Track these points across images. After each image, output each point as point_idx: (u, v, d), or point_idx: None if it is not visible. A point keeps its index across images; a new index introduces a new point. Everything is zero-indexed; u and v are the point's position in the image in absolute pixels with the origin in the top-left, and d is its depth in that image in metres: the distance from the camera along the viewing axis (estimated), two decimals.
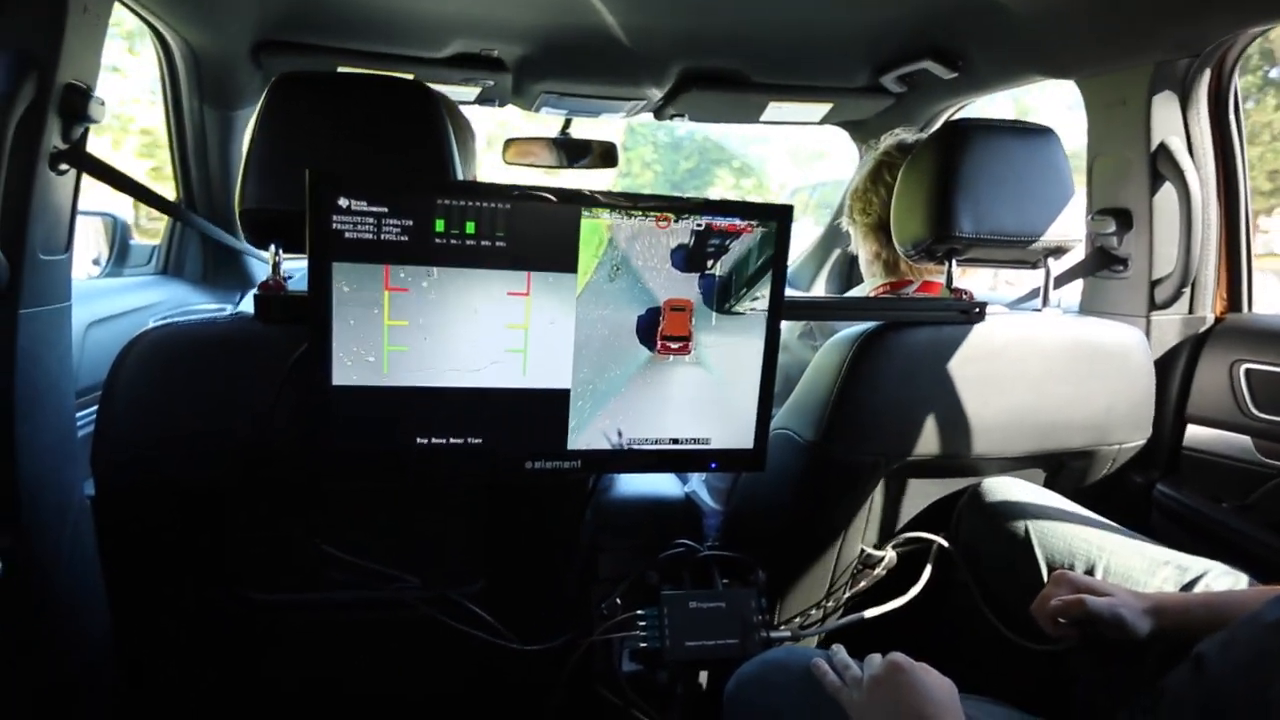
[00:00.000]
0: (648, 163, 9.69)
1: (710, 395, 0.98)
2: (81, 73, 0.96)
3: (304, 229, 0.82)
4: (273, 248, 0.96)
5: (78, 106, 0.95)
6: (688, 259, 0.92)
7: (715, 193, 9.85)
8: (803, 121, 2.08)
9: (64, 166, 0.98)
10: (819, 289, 2.53)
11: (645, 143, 9.43)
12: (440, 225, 0.84)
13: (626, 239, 0.90)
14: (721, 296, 0.95)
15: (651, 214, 0.90)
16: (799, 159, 9.97)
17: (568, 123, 2.07)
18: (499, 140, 2.06)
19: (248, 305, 1.76)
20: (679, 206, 0.91)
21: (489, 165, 2.02)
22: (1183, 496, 1.33)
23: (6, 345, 0.91)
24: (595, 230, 0.89)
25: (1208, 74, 1.30)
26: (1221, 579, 0.99)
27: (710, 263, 0.93)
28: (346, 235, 0.82)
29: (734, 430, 1.00)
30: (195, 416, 0.92)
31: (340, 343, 0.84)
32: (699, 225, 0.91)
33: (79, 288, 1.07)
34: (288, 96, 0.93)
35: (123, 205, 1.77)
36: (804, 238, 2.61)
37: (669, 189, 9.71)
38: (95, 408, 1.28)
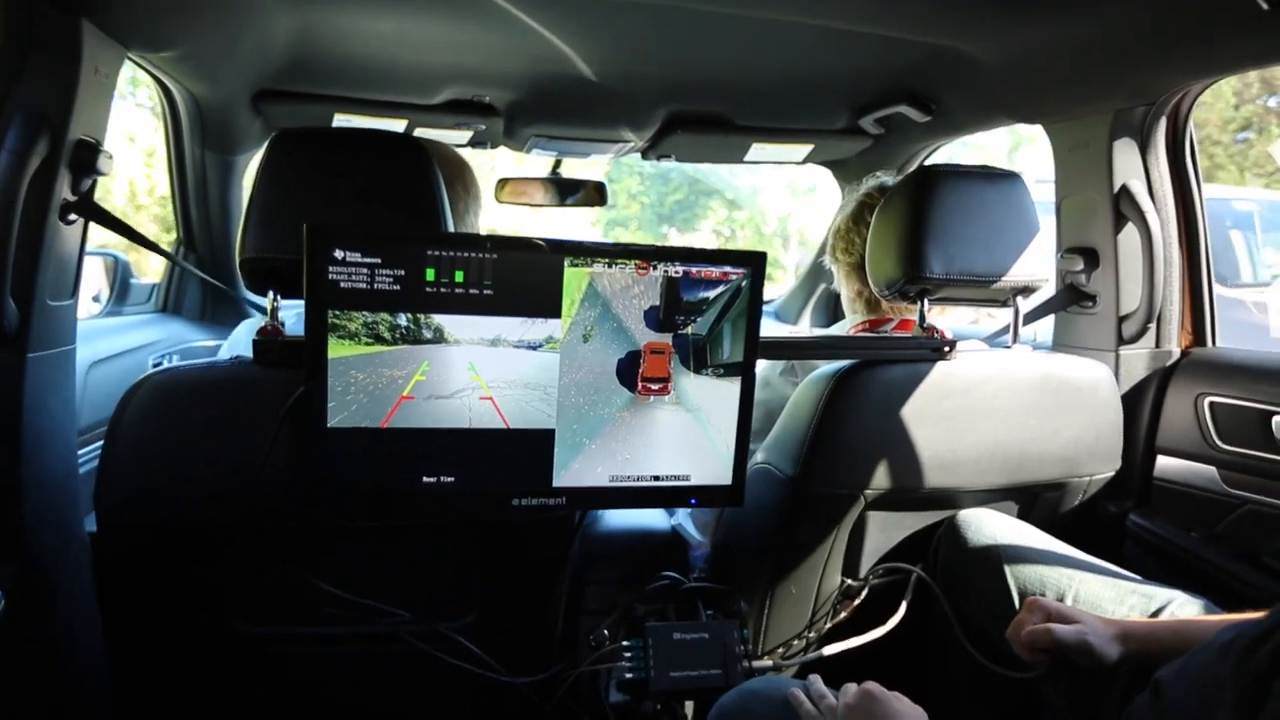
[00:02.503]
0: (634, 194, 9.25)
1: (690, 433, 1.02)
2: (91, 129, 1.01)
3: (300, 276, 0.86)
4: (271, 294, 1.00)
5: (87, 161, 0.99)
6: (659, 320, 0.97)
7: (707, 226, 9.43)
8: (785, 161, 2.15)
9: (73, 217, 1.02)
10: (805, 322, 2.59)
11: (631, 174, 8.92)
12: (431, 274, 0.88)
13: (607, 286, 0.95)
14: (698, 361, 1.00)
15: (632, 262, 0.95)
16: (797, 191, 9.60)
17: (558, 163, 2.14)
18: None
19: (238, 340, 1.82)
20: (659, 255, 0.96)
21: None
22: (1154, 526, 1.37)
23: (14, 388, 0.95)
24: (578, 278, 0.93)
25: (1164, 121, 1.36)
26: (1186, 607, 1.02)
27: (682, 321, 0.98)
28: (341, 285, 0.86)
29: (713, 467, 1.04)
30: (196, 458, 0.96)
31: (335, 386, 0.88)
32: (676, 272, 0.96)
33: (82, 327, 1.11)
34: (287, 151, 0.98)
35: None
36: None
37: (656, 222, 9.31)
38: (96, 445, 1.32)
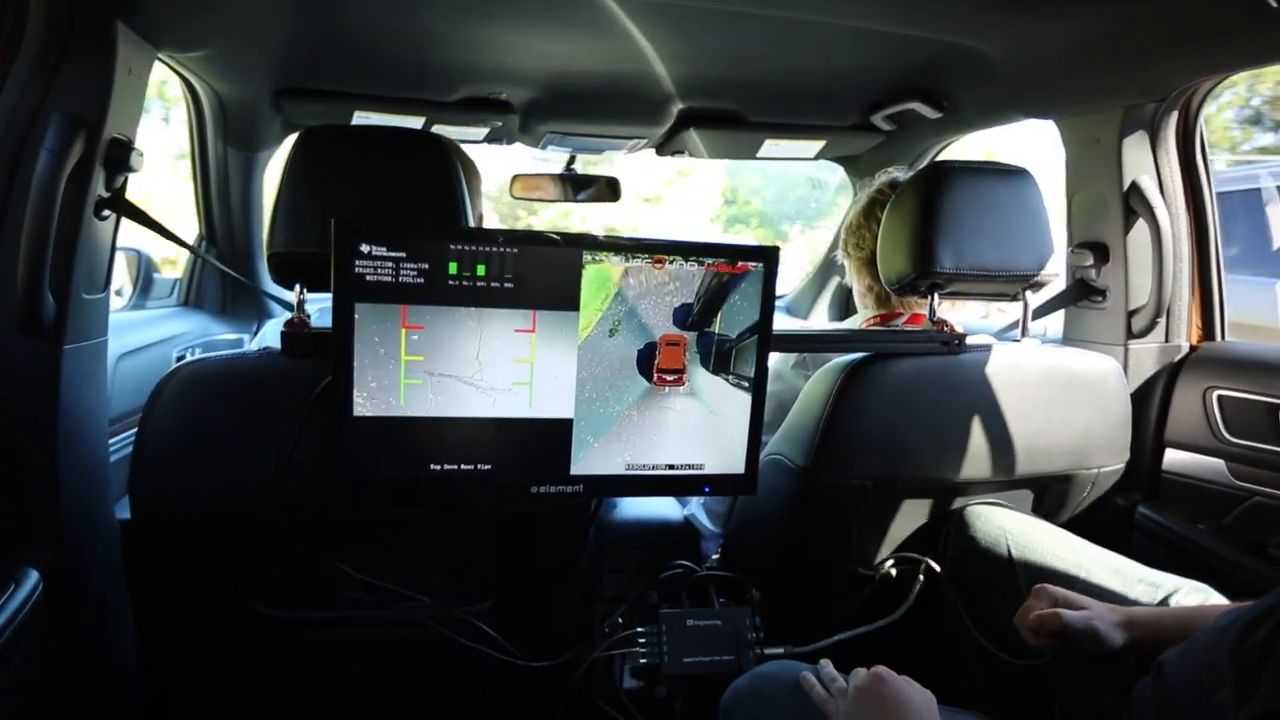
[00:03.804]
0: (756, 189, 8.72)
1: (704, 424, 1.04)
2: (124, 127, 1.04)
3: (327, 269, 0.89)
4: (298, 287, 1.03)
5: (120, 159, 1.03)
6: (675, 313, 1.00)
7: (832, 222, 9.23)
8: (798, 157, 2.17)
9: (106, 213, 1.06)
10: (817, 314, 2.60)
11: (751, 169, 8.33)
12: (453, 268, 0.91)
13: (625, 279, 0.97)
14: (719, 365, 1.03)
15: (648, 256, 0.97)
16: None
17: (572, 159, 2.16)
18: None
19: (266, 335, 1.85)
20: (673, 249, 0.98)
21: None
22: (1162, 518, 1.39)
23: (51, 378, 0.98)
24: (597, 271, 0.96)
25: (1175, 117, 1.38)
26: (1192, 596, 1.04)
27: (696, 314, 1.01)
28: (368, 278, 0.89)
29: (727, 456, 1.06)
30: (227, 448, 0.99)
31: (360, 376, 0.91)
32: (692, 266, 0.99)
33: (110, 320, 1.15)
34: (313, 148, 1.01)
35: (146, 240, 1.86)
36: None
37: (778, 219, 8.80)
38: (125, 435, 1.35)
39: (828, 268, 2.55)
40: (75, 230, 0.99)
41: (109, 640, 1.13)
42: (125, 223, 1.12)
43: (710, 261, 0.99)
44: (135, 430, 1.00)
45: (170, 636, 1.16)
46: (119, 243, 1.13)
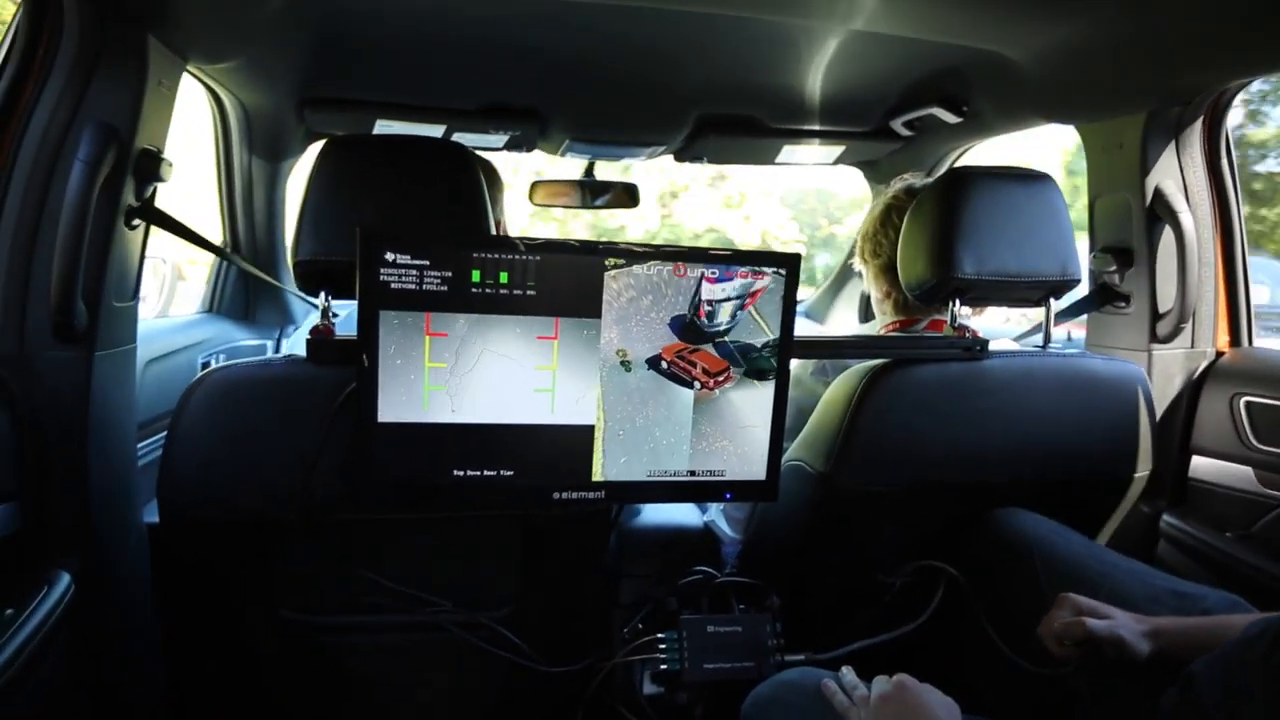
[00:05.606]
0: None
1: (725, 430, 1.04)
2: (154, 138, 1.06)
3: (351, 277, 0.90)
4: (323, 295, 1.04)
5: (150, 168, 1.05)
6: (698, 320, 1.01)
7: None
8: (816, 163, 2.17)
9: (136, 221, 1.08)
10: (834, 319, 2.60)
11: None
12: (476, 276, 0.92)
13: (646, 286, 0.98)
14: (734, 361, 1.03)
15: (669, 263, 0.97)
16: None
17: (591, 165, 2.17)
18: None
19: (290, 342, 1.87)
20: (695, 257, 0.98)
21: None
22: (1188, 526, 1.37)
23: (83, 384, 1.00)
24: (618, 279, 0.96)
25: (1200, 121, 1.36)
26: (1220, 605, 1.02)
27: (719, 321, 1.01)
28: (392, 285, 0.90)
29: (748, 463, 1.06)
30: (254, 454, 1.00)
31: (385, 382, 0.92)
32: (713, 273, 0.99)
33: (138, 328, 1.17)
34: (338, 158, 1.03)
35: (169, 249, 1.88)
36: None
37: None
38: (152, 440, 1.38)
39: (845, 274, 2.55)
40: (107, 239, 1.01)
41: (136, 641, 1.15)
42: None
43: (732, 269, 1.00)
44: (162, 435, 1.02)
45: (195, 638, 1.17)
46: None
